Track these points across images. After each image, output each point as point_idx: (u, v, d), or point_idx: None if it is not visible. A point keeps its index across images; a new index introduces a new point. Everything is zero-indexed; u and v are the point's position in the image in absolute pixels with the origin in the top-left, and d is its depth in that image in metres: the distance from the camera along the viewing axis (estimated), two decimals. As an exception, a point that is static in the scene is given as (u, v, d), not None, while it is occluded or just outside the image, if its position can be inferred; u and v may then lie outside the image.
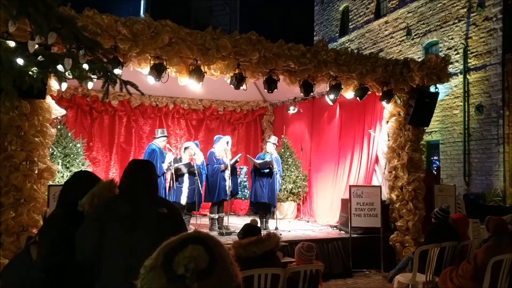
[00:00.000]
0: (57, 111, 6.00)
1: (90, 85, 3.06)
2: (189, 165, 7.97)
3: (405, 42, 16.78)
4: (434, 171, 14.21)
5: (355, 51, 7.90)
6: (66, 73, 2.50)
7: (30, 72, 2.36)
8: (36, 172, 5.48)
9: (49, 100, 5.73)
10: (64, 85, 3.16)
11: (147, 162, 2.98)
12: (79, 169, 7.66)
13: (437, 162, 15.15)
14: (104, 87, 2.66)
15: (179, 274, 0.92)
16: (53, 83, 5.49)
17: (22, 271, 2.19)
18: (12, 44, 2.36)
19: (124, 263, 2.34)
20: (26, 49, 2.39)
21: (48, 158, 5.86)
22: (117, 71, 2.73)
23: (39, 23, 1.95)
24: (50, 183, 5.80)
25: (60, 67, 2.44)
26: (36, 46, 2.48)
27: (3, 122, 5.22)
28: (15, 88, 2.44)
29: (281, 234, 7.31)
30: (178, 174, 7.93)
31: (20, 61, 2.30)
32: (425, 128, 8.48)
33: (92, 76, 2.64)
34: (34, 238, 2.32)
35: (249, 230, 4.17)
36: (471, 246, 5.80)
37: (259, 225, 6.08)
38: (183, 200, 7.82)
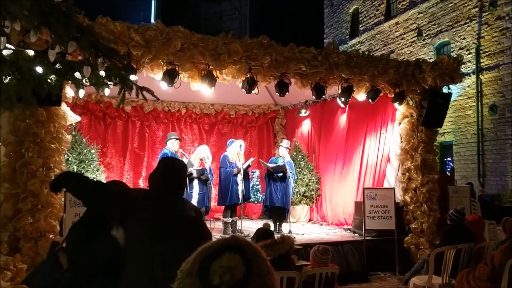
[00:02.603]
0: (72, 118, 6.09)
1: (106, 91, 3.11)
2: (201, 171, 8.00)
3: (416, 43, 16.71)
4: (448, 173, 14.09)
5: (366, 53, 7.88)
6: (84, 80, 2.54)
7: (49, 80, 2.41)
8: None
9: (64, 107, 5.81)
10: (82, 92, 3.22)
11: (179, 162, 2.92)
12: (94, 175, 7.75)
13: (451, 164, 15.02)
14: (120, 93, 2.70)
15: (214, 284, 0.91)
16: (68, 90, 5.58)
17: (51, 278, 2.20)
18: (31, 53, 2.42)
19: (147, 264, 2.35)
20: (44, 57, 2.44)
21: (64, 164, 5.94)
22: (133, 77, 2.77)
23: (60, 33, 2.00)
24: (66, 189, 5.86)
25: (77, 75, 2.49)
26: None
27: (20, 129, 5.32)
28: (34, 96, 2.49)
29: (294, 238, 7.32)
30: (188, 179, 7.96)
31: (39, 69, 2.36)
32: (438, 129, 8.42)
33: (109, 83, 2.69)
34: (61, 244, 2.34)
35: (262, 234, 4.19)
36: (488, 248, 5.74)
37: (272, 228, 6.10)
38: (194, 206, 7.84)
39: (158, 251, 2.37)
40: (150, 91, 2.85)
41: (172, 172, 2.66)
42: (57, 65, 2.47)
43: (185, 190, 2.87)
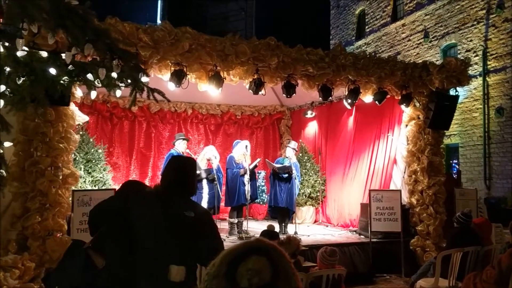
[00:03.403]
0: (80, 118, 6.12)
1: (118, 93, 3.13)
2: (208, 171, 8.03)
3: (422, 45, 16.67)
4: (454, 175, 14.05)
5: (373, 54, 7.87)
6: (95, 82, 2.57)
7: (62, 81, 2.44)
8: (61, 177, 5.59)
9: (72, 107, 5.85)
10: (94, 94, 3.24)
11: (188, 162, 2.92)
12: (101, 175, 7.79)
13: (456, 166, 14.97)
14: (131, 95, 2.72)
15: (242, 287, 0.92)
16: (77, 90, 5.61)
17: (85, 277, 2.22)
18: (44, 54, 2.44)
19: (143, 257, 2.40)
20: (57, 58, 2.46)
21: (72, 164, 5.98)
22: (144, 79, 2.78)
23: (76, 35, 2.02)
24: (74, 188, 5.91)
25: (89, 76, 2.51)
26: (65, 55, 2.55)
27: (29, 129, 5.36)
28: (47, 96, 2.51)
29: (300, 239, 7.33)
30: (197, 180, 8.00)
31: (52, 70, 2.38)
32: (444, 131, 8.40)
33: (120, 84, 2.71)
34: (88, 244, 2.34)
35: (266, 236, 4.20)
36: (495, 251, 5.72)
37: (277, 230, 6.11)
38: (204, 206, 7.88)
39: (160, 248, 2.42)
40: (161, 93, 2.87)
41: (177, 171, 2.70)
42: (70, 67, 2.50)
43: (195, 189, 2.86)
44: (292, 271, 1.01)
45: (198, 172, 7.95)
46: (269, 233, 4.34)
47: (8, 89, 2.34)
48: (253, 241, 1.03)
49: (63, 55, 2.46)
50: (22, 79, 2.34)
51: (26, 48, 2.31)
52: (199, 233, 2.61)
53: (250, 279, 0.93)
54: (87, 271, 2.25)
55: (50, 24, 1.92)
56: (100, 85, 2.64)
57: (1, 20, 1.88)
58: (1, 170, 2.53)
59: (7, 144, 2.78)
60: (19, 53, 2.25)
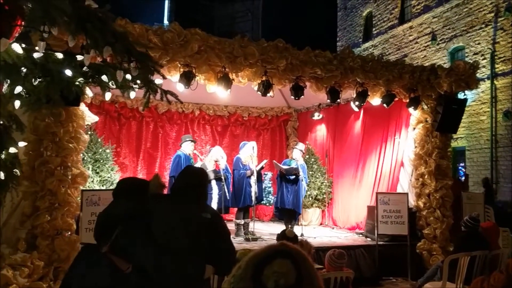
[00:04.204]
0: (90, 118, 6.17)
1: (132, 94, 3.16)
2: (215, 172, 8.05)
3: (430, 48, 16.62)
4: (460, 178, 14.01)
5: (380, 57, 7.87)
6: (110, 83, 2.60)
7: (77, 82, 2.47)
8: (70, 177, 5.64)
9: (82, 107, 5.89)
10: (108, 95, 3.27)
11: (200, 170, 3.11)
12: (108, 174, 7.83)
13: (463, 169, 14.91)
14: (145, 96, 2.75)
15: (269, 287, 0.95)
16: (87, 91, 5.64)
17: (112, 281, 2.24)
18: (60, 55, 2.47)
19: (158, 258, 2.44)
20: (72, 60, 2.49)
21: (81, 164, 6.02)
22: (158, 81, 2.81)
23: (95, 38, 2.05)
24: (83, 188, 5.95)
25: (104, 77, 2.54)
26: (80, 57, 2.59)
27: (40, 129, 5.40)
28: (62, 97, 2.54)
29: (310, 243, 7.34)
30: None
31: (68, 72, 2.41)
32: (452, 135, 8.38)
33: (134, 86, 2.74)
34: (106, 247, 2.33)
35: (285, 238, 4.20)
36: (502, 255, 5.71)
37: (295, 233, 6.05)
38: (214, 206, 7.88)
39: (173, 246, 2.48)
40: (174, 95, 2.90)
41: (191, 177, 2.81)
42: (85, 68, 2.53)
43: (206, 195, 3.02)
44: (315, 274, 1.04)
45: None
46: (287, 237, 4.30)
47: (24, 90, 2.38)
48: (277, 245, 1.07)
49: (78, 57, 2.50)
50: (38, 80, 2.37)
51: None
52: (215, 233, 2.70)
53: (277, 281, 0.96)
54: (114, 277, 2.25)
55: (71, 27, 1.95)
56: (114, 86, 2.67)
57: (20, 22, 1.91)
58: (15, 170, 2.55)
59: (21, 144, 2.81)
60: (36, 55, 2.29)
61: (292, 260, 1.00)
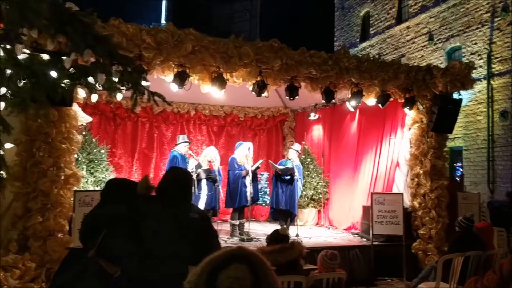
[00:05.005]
0: (83, 118, 6.14)
1: (119, 96, 3.15)
2: (208, 171, 8.03)
3: (427, 47, 16.60)
4: (457, 178, 14.00)
5: (376, 56, 7.85)
6: (97, 85, 2.58)
7: (63, 84, 2.44)
8: (63, 178, 5.61)
9: (75, 107, 5.87)
10: (95, 97, 3.25)
11: (184, 171, 3.13)
12: (103, 175, 7.80)
13: (460, 169, 14.91)
14: (132, 98, 2.73)
15: None
16: (80, 91, 5.62)
17: (100, 285, 2.21)
18: (45, 57, 2.45)
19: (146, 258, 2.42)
20: (59, 61, 2.47)
21: (74, 164, 5.99)
22: (145, 83, 2.79)
23: (76, 41, 2.03)
24: (76, 188, 5.93)
25: (90, 79, 2.52)
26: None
27: (32, 129, 5.37)
28: (48, 99, 2.52)
29: (301, 241, 7.29)
30: (197, 180, 7.98)
31: (53, 73, 2.39)
32: (448, 135, 8.37)
33: (121, 88, 2.72)
34: (93, 252, 2.30)
35: (276, 238, 4.18)
36: (496, 255, 5.70)
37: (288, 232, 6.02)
38: (201, 207, 7.86)
39: (172, 249, 2.46)
40: (162, 97, 2.88)
41: (176, 179, 2.81)
42: (71, 70, 2.51)
43: (191, 196, 3.00)
44: (273, 279, 1.01)
45: (198, 172, 7.95)
46: (279, 236, 4.28)
47: (9, 92, 2.35)
48: (234, 249, 1.03)
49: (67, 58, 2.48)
50: (23, 81, 2.35)
51: (27, 51, 2.32)
52: (203, 234, 2.68)
53: (231, 287, 0.93)
54: (103, 282, 2.22)
55: (50, 29, 1.93)
56: (101, 88, 2.65)
57: (1, 25, 1.89)
58: (1, 172, 2.53)
59: (8, 145, 2.78)
60: (20, 56, 2.27)
61: (249, 264, 0.98)
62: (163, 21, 27.66)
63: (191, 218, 2.68)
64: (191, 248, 2.60)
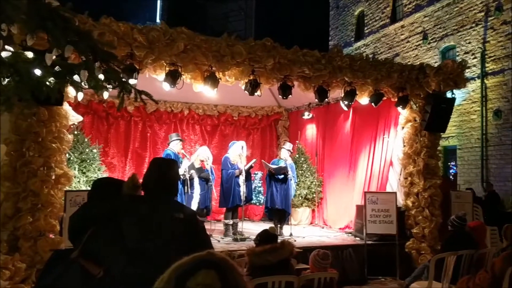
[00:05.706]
0: (74, 118, 6.08)
1: (105, 94, 3.11)
2: (201, 170, 7.99)
3: (421, 47, 16.65)
4: (451, 177, 14.04)
5: (371, 55, 7.86)
6: (82, 83, 2.54)
7: (47, 83, 2.41)
8: (53, 177, 5.56)
9: (66, 106, 5.81)
10: (81, 95, 3.22)
11: (167, 162, 2.91)
12: (95, 174, 7.75)
13: (454, 168, 14.96)
14: (119, 96, 2.70)
15: None
16: (70, 90, 5.56)
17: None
18: (30, 54, 2.41)
19: (132, 261, 2.37)
20: (44, 59, 2.43)
21: (65, 164, 5.94)
22: (132, 81, 2.75)
23: (57, 37, 1.99)
24: (67, 188, 5.88)
25: (76, 77, 2.48)
26: (54, 57, 2.52)
27: (22, 128, 5.32)
28: (33, 97, 2.49)
29: (295, 240, 7.30)
30: (189, 180, 7.95)
31: (38, 71, 2.35)
32: (441, 133, 8.38)
33: (108, 86, 2.68)
34: (77, 253, 2.27)
35: (265, 238, 4.16)
36: (489, 254, 5.70)
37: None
38: (194, 206, 7.82)
39: (145, 249, 2.40)
40: (149, 95, 2.84)
41: (158, 173, 2.69)
42: (56, 68, 2.47)
43: (176, 189, 2.85)
44: (243, 285, 0.98)
45: (190, 172, 7.91)
46: (268, 235, 4.26)
47: (-7, 90, 2.32)
48: (203, 254, 1.00)
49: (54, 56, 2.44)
50: (7, 80, 2.31)
51: (10, 48, 2.28)
52: (189, 235, 2.60)
53: None
54: (86, 283, 2.19)
55: (30, 25, 1.90)
56: (87, 86, 2.61)
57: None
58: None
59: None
60: (3, 54, 2.23)
61: (218, 270, 0.94)
62: (158, 21, 27.59)
63: (174, 218, 2.60)
64: (172, 251, 2.53)
